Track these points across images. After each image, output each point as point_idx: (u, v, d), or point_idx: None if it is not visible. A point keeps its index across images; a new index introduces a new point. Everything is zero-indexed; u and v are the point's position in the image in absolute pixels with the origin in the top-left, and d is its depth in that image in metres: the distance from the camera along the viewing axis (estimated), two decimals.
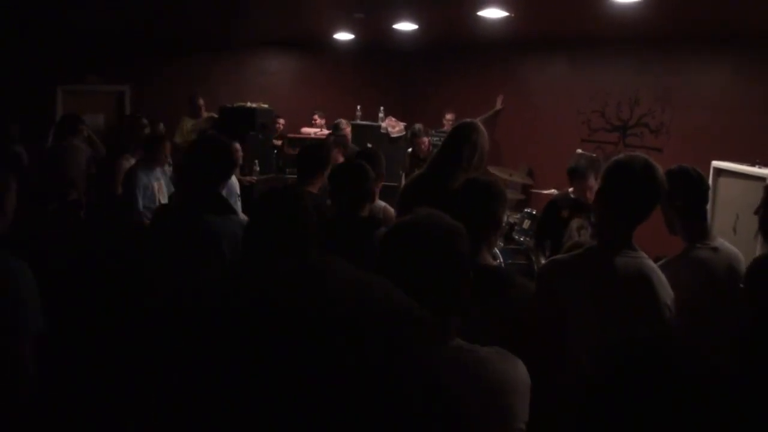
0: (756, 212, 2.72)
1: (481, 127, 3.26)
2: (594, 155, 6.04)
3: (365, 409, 0.59)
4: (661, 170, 2.20)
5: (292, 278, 0.68)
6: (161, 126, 7.60)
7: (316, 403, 0.58)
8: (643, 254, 2.22)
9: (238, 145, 5.71)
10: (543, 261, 4.28)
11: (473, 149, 3.14)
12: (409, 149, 7.53)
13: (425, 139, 7.16)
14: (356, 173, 3.16)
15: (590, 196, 4.31)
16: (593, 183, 4.32)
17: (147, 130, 6.94)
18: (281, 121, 8.68)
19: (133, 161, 5.47)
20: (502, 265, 5.00)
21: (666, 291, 2.18)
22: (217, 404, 0.62)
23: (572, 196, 4.46)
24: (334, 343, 0.60)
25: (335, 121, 7.60)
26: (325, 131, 8.31)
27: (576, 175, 4.39)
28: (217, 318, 0.66)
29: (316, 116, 8.97)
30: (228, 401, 0.61)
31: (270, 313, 0.63)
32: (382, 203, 3.66)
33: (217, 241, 2.75)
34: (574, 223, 4.19)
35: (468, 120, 3.35)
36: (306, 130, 9.00)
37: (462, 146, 3.14)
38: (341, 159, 8.11)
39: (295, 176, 4.26)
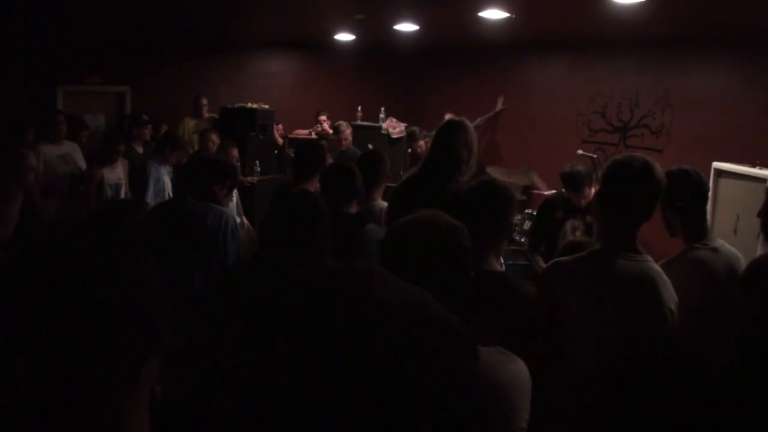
0: (759, 215, 2.73)
1: (469, 124, 3.17)
2: (594, 155, 6.04)
3: (398, 412, 0.58)
4: (659, 168, 2.18)
5: (342, 278, 0.66)
6: (164, 128, 7.60)
7: (351, 405, 0.57)
8: (648, 257, 2.19)
9: (235, 151, 5.74)
10: (539, 261, 4.27)
11: (467, 150, 3.06)
12: (410, 150, 7.54)
13: (422, 143, 7.16)
14: (343, 172, 3.31)
15: (584, 203, 4.30)
16: (588, 193, 4.30)
17: (149, 132, 6.95)
18: (280, 126, 8.66)
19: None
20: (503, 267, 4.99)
21: (670, 295, 2.15)
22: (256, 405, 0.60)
23: (566, 196, 4.45)
24: (389, 345, 0.59)
25: (336, 123, 7.60)
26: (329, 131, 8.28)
27: (569, 184, 4.37)
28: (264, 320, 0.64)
29: (323, 117, 8.80)
30: (270, 401, 0.59)
31: (320, 314, 0.61)
32: (384, 203, 3.64)
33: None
34: (568, 225, 4.18)
35: (456, 119, 3.23)
36: (299, 132, 8.95)
37: (455, 147, 3.06)
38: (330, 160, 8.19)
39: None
